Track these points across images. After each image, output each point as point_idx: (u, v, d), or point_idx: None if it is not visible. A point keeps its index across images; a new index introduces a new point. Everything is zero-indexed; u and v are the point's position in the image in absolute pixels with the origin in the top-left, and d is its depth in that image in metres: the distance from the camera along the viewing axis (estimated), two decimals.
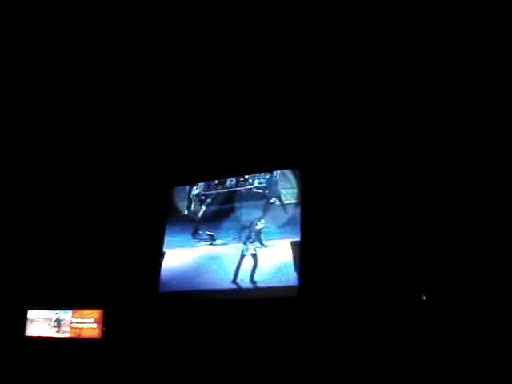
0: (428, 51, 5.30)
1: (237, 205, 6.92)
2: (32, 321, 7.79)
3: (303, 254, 6.23)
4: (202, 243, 7.00)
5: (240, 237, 6.72)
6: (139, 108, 6.86)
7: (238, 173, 7.02)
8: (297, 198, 6.51)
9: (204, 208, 7.21)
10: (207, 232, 6.99)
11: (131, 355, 6.80)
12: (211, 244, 6.92)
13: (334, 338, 5.68)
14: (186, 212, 7.37)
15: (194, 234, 7.11)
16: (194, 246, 7.08)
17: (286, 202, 6.57)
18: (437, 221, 5.50)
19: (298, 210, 6.45)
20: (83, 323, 7.31)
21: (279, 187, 6.68)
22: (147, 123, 7.16)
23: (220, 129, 7.04)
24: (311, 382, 5.60)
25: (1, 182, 8.05)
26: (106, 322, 7.13)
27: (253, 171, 6.91)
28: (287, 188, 6.62)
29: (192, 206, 7.32)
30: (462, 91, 5.52)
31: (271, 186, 6.76)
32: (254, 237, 6.61)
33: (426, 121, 5.84)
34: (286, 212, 6.52)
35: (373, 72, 5.76)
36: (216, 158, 7.25)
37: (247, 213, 6.78)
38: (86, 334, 7.25)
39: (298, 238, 6.30)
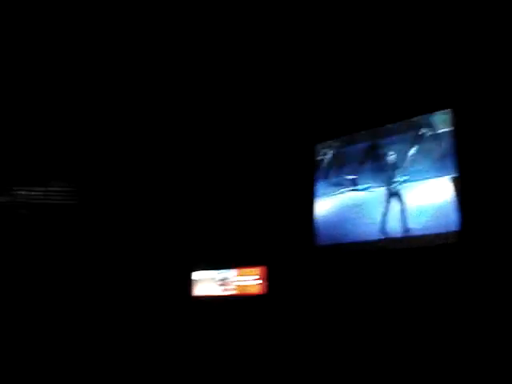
0: None
1: (379, 141, 5.92)
2: (198, 281, 8.00)
3: (464, 193, 5.08)
4: (344, 189, 6.19)
5: (385, 178, 5.76)
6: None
7: (385, 122, 5.96)
8: (452, 125, 5.31)
9: (342, 149, 6.36)
10: (348, 176, 6.15)
11: (295, 310, 6.57)
12: (354, 190, 6.08)
13: (500, 289, 4.57)
14: (324, 156, 6.59)
15: (335, 180, 6.33)
16: (335, 193, 6.32)
17: (439, 131, 5.40)
18: None
19: (454, 140, 5.26)
20: (248, 280, 7.25)
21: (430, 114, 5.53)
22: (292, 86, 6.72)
23: (362, 76, 6.18)
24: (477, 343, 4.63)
25: (166, 160, 8.39)
26: (269, 278, 6.95)
27: (400, 118, 5.82)
28: (440, 114, 5.44)
29: (330, 149, 6.52)
30: None
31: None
32: (401, 177, 5.60)
33: None
34: (439, 143, 5.35)
35: None
36: (360, 108, 6.30)
37: (392, 149, 5.77)
38: (251, 291, 7.18)
39: (456, 174, 5.16)
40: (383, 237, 5.67)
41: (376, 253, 5.74)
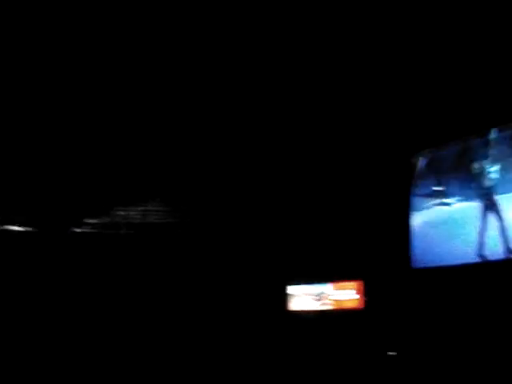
0: None
1: (473, 148, 5.01)
2: (295, 295, 7.78)
3: None
4: (431, 203, 5.37)
5: (481, 189, 4.83)
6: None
7: (480, 128, 5.02)
8: None
9: (434, 159, 5.51)
10: (435, 188, 5.28)
11: (391, 326, 6.16)
12: (442, 203, 5.22)
13: None
14: (417, 168, 5.76)
15: (426, 192, 5.51)
16: (427, 207, 5.52)
17: None
18: None
19: None
20: (344, 295, 6.91)
21: None
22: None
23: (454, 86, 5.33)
24: None
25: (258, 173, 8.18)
26: (367, 293, 6.58)
27: (498, 123, 4.85)
28: None
29: (423, 160, 5.70)
30: None
31: None
32: (499, 188, 4.63)
33: None
34: None
35: None
36: (452, 116, 5.41)
37: (489, 154, 4.80)
38: (347, 305, 6.85)
39: None
40: (481, 260, 4.74)
41: (473, 277, 4.83)
